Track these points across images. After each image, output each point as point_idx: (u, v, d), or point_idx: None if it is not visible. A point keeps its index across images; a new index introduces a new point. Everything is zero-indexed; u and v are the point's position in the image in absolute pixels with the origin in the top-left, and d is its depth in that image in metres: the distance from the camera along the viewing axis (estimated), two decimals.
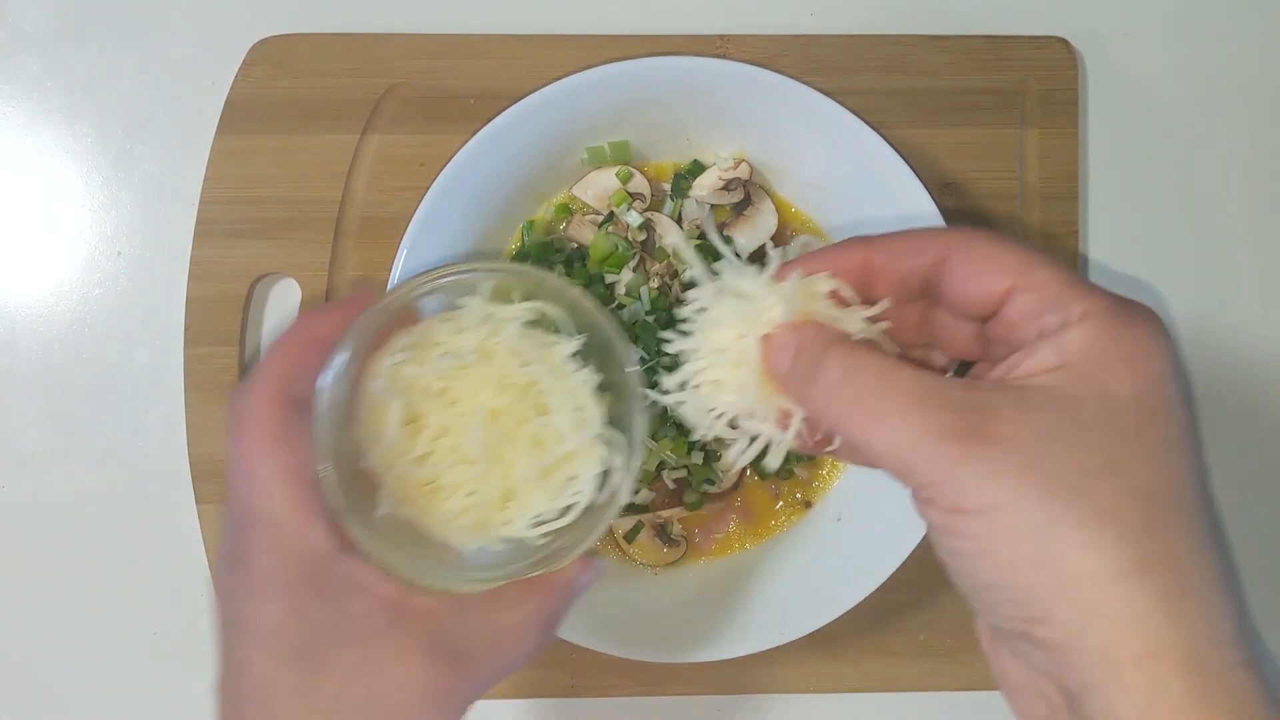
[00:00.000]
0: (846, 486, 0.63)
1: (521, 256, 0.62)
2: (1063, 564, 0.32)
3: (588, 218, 0.63)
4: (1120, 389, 0.33)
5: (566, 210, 0.63)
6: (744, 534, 0.64)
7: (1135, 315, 0.34)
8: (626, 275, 0.61)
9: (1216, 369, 0.68)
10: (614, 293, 0.62)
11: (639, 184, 0.62)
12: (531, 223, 0.63)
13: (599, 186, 0.62)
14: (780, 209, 0.63)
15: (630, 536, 0.63)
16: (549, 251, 0.62)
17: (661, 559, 0.63)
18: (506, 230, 0.63)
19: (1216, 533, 0.34)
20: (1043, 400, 0.33)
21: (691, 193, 0.62)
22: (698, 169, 0.63)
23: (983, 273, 0.36)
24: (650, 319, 0.60)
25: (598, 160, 0.62)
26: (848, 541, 0.61)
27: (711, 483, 0.62)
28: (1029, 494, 0.32)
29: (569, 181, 0.63)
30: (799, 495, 0.64)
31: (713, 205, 0.62)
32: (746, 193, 0.62)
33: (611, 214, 0.63)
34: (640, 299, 0.61)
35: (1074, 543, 0.32)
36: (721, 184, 0.62)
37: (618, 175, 0.62)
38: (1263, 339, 0.68)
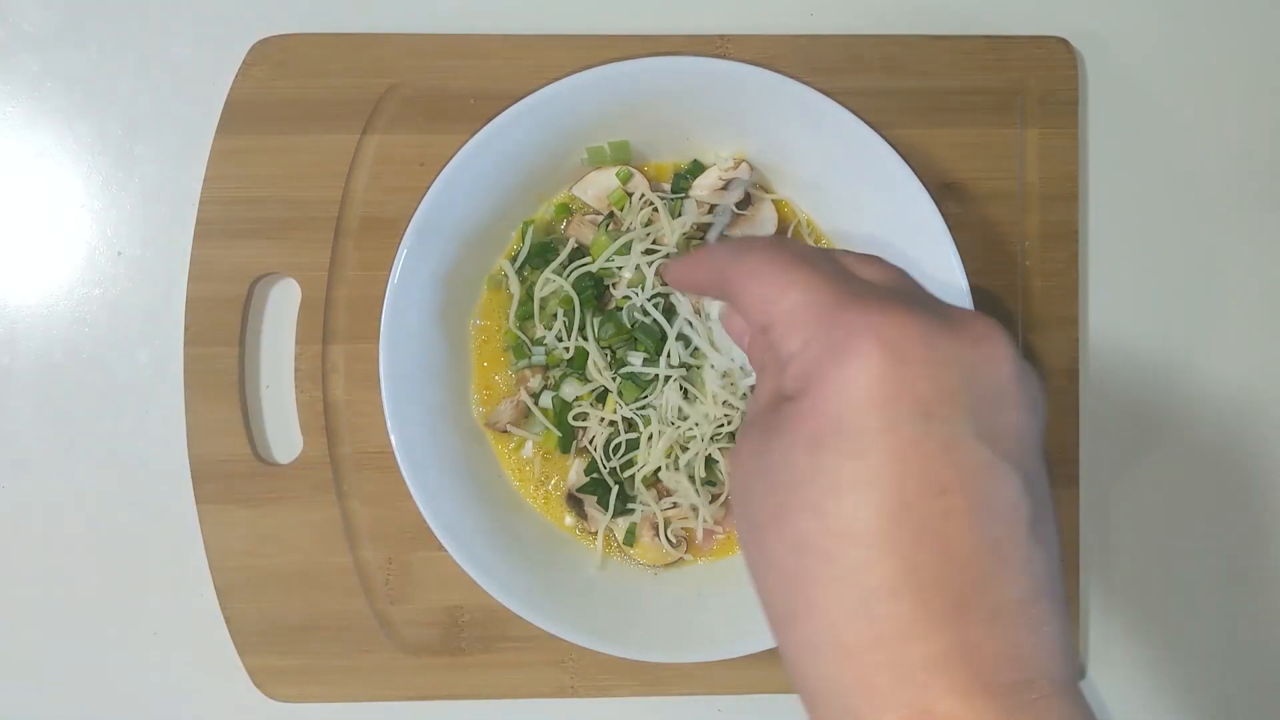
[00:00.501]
0: None
1: (521, 256, 0.62)
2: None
3: (587, 217, 0.63)
4: (831, 403, 0.30)
5: (566, 210, 0.63)
6: None
7: (847, 315, 0.31)
8: (626, 274, 0.61)
9: (1216, 367, 0.68)
10: (611, 293, 0.62)
11: (638, 183, 0.62)
12: (531, 223, 0.63)
13: (599, 186, 0.62)
14: (779, 209, 0.63)
15: (629, 540, 0.63)
16: (548, 251, 0.62)
17: (661, 558, 0.63)
18: (506, 230, 0.63)
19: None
20: (784, 422, 0.32)
21: (691, 193, 0.62)
22: (698, 169, 0.63)
23: (748, 311, 0.35)
24: (649, 320, 0.60)
25: (598, 160, 0.62)
26: None
27: (713, 484, 0.62)
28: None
29: (569, 181, 0.63)
30: None
31: (712, 206, 0.62)
32: (746, 193, 0.62)
33: (611, 214, 0.63)
34: (636, 297, 0.61)
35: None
36: (721, 184, 0.62)
37: (618, 175, 0.62)
38: (1263, 338, 0.68)
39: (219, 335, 0.63)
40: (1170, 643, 0.68)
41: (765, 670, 0.65)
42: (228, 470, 0.63)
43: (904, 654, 0.28)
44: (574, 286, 0.61)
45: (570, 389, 0.62)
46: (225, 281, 0.64)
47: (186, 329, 0.63)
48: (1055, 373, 0.66)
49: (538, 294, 0.62)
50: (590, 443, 0.62)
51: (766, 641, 0.58)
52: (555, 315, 0.62)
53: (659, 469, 0.61)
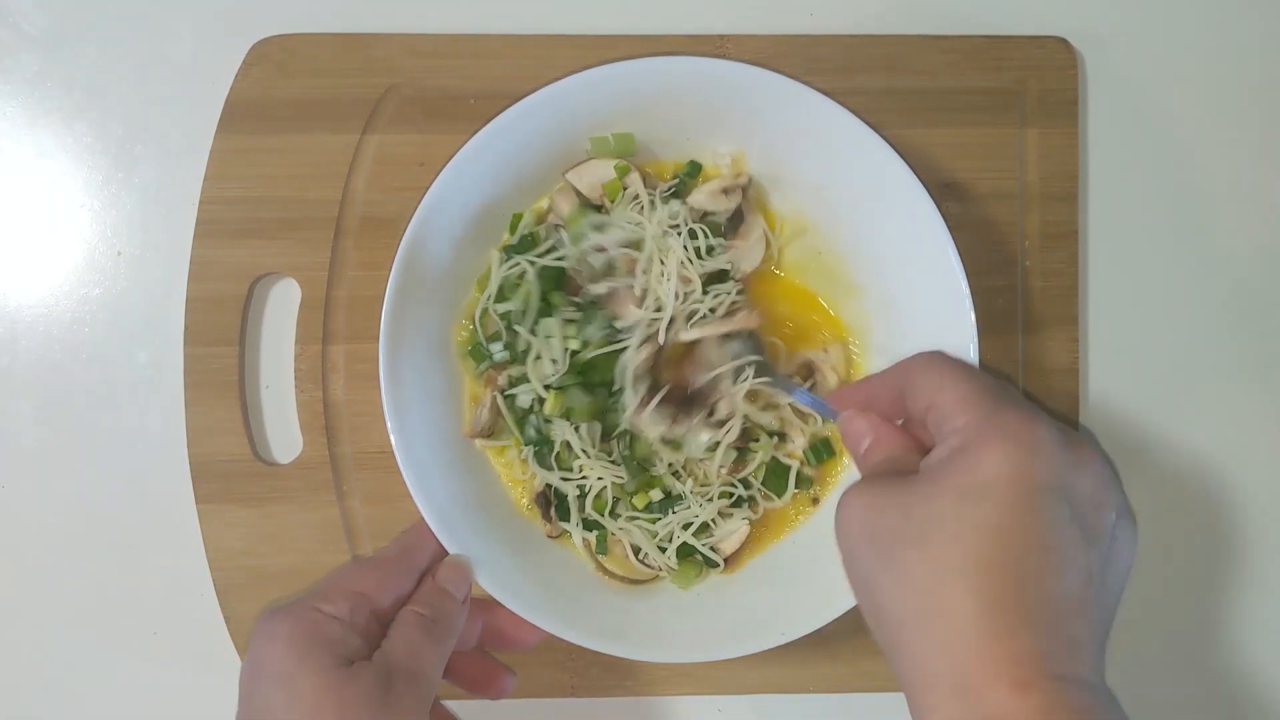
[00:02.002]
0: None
1: (512, 249, 0.62)
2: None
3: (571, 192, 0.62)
4: (983, 469, 0.43)
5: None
6: (754, 536, 0.64)
7: (1005, 415, 0.45)
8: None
9: (1216, 367, 0.68)
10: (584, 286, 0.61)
11: (634, 180, 0.62)
12: (520, 216, 0.62)
13: (595, 175, 0.62)
14: (773, 217, 0.63)
15: (600, 548, 0.62)
16: (534, 240, 0.62)
17: (633, 573, 0.62)
18: (505, 230, 0.63)
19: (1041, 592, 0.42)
20: (932, 476, 0.45)
21: (689, 199, 0.62)
22: (695, 169, 0.63)
23: (915, 397, 0.49)
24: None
25: (601, 151, 0.62)
26: None
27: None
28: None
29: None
30: (809, 491, 0.64)
31: (706, 213, 0.62)
32: (740, 210, 0.62)
33: (600, 206, 0.62)
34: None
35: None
36: (720, 190, 0.61)
37: (615, 168, 0.62)
38: (1263, 337, 0.68)
39: (219, 335, 0.63)
40: (1170, 643, 0.68)
41: (765, 670, 0.65)
42: (228, 470, 0.63)
43: (1013, 647, 0.40)
44: (540, 273, 0.60)
45: (525, 396, 0.61)
46: (225, 281, 0.64)
47: (186, 329, 0.63)
48: (1055, 373, 0.66)
49: (496, 275, 0.61)
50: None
51: (766, 641, 0.58)
52: (511, 304, 0.60)
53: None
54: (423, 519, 0.57)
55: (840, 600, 0.58)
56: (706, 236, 0.60)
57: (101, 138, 0.66)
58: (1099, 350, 0.67)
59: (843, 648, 0.65)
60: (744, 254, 0.62)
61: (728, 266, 0.61)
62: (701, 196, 0.62)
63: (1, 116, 0.66)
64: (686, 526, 0.61)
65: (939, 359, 0.50)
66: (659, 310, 0.60)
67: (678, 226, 0.61)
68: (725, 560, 0.62)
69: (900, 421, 0.53)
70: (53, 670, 0.66)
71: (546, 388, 0.60)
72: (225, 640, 0.64)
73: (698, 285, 0.60)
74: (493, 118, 0.58)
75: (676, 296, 0.60)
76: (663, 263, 0.60)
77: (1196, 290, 0.68)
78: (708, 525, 0.62)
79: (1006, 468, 0.42)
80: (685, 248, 0.60)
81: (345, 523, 0.64)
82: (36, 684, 0.66)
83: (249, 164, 0.63)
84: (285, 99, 0.63)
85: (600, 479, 0.61)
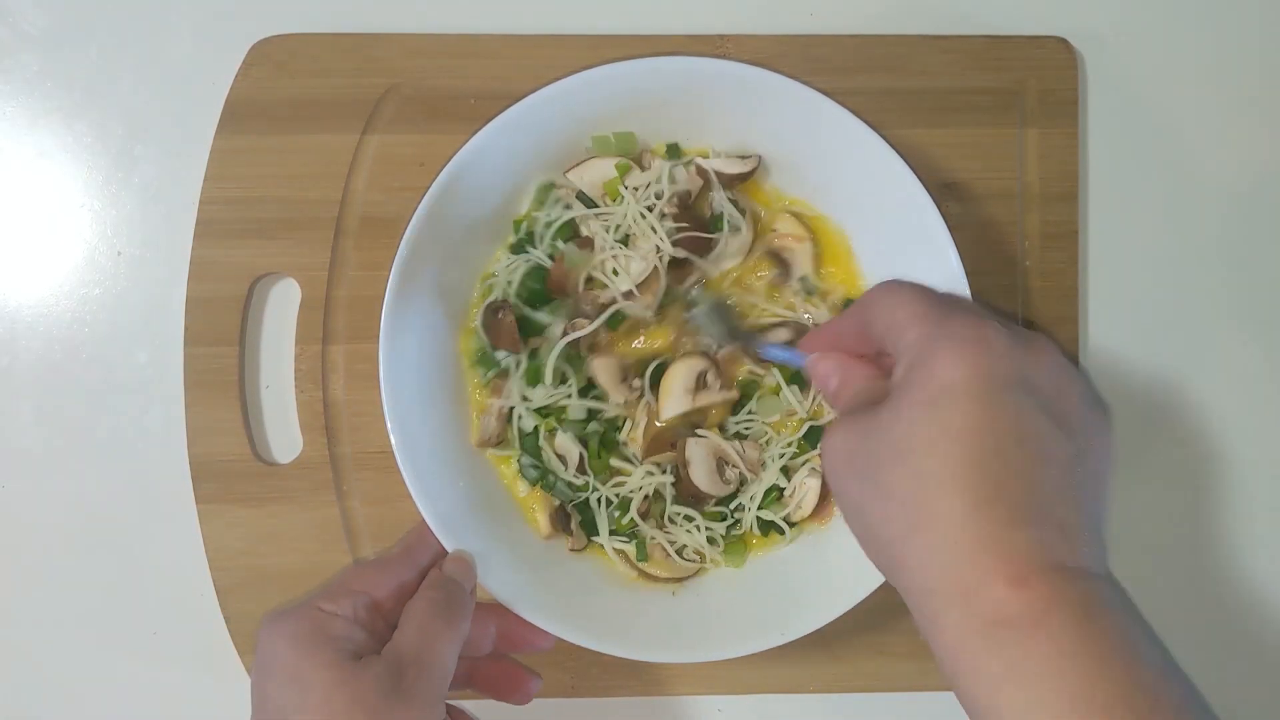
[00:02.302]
0: None
1: (519, 246, 0.62)
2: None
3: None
4: (940, 375, 0.43)
5: (549, 189, 0.62)
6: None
7: (953, 322, 0.44)
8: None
9: (1216, 366, 0.68)
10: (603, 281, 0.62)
11: (635, 179, 0.61)
12: (522, 221, 0.62)
13: (596, 173, 0.62)
14: (769, 197, 0.64)
15: (641, 556, 0.62)
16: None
17: (678, 571, 0.62)
18: (506, 231, 0.63)
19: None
20: (897, 394, 0.45)
21: (709, 160, 0.61)
22: (675, 152, 0.62)
23: (873, 325, 0.48)
24: None
25: (604, 150, 0.62)
26: (849, 541, 0.61)
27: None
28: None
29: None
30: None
31: (719, 172, 0.61)
32: (739, 205, 0.62)
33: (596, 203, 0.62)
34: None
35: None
36: (738, 155, 0.61)
37: (616, 166, 0.61)
38: (1262, 337, 0.68)
39: (219, 335, 0.63)
40: (1170, 643, 0.68)
41: (765, 670, 0.65)
42: (228, 470, 0.63)
43: (1004, 543, 0.40)
44: (528, 272, 0.61)
45: (528, 420, 0.61)
46: (225, 281, 0.64)
47: (186, 329, 0.63)
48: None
49: (502, 277, 0.61)
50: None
51: (766, 641, 0.58)
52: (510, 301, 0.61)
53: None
54: (423, 520, 0.57)
55: (840, 600, 0.58)
56: (672, 219, 0.60)
57: (101, 138, 0.66)
58: (1099, 350, 0.67)
59: (843, 648, 0.65)
60: (723, 255, 0.62)
61: (693, 259, 0.61)
62: (719, 161, 0.61)
63: (1, 116, 0.66)
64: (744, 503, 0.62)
65: (891, 284, 0.48)
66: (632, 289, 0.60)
67: (654, 207, 0.60)
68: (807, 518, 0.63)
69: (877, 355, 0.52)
70: (53, 670, 0.66)
71: (542, 413, 0.61)
72: (225, 640, 0.64)
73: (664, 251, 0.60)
74: (493, 118, 0.58)
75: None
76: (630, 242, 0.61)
77: (1196, 290, 0.68)
78: (779, 493, 0.62)
79: (962, 369, 0.42)
80: (655, 229, 0.60)
81: (345, 523, 0.64)
82: (36, 684, 0.66)
83: (249, 164, 0.63)
84: (285, 99, 0.63)
85: (643, 485, 0.61)
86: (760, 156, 0.62)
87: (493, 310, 0.60)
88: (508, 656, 0.60)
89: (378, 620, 0.53)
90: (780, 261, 0.62)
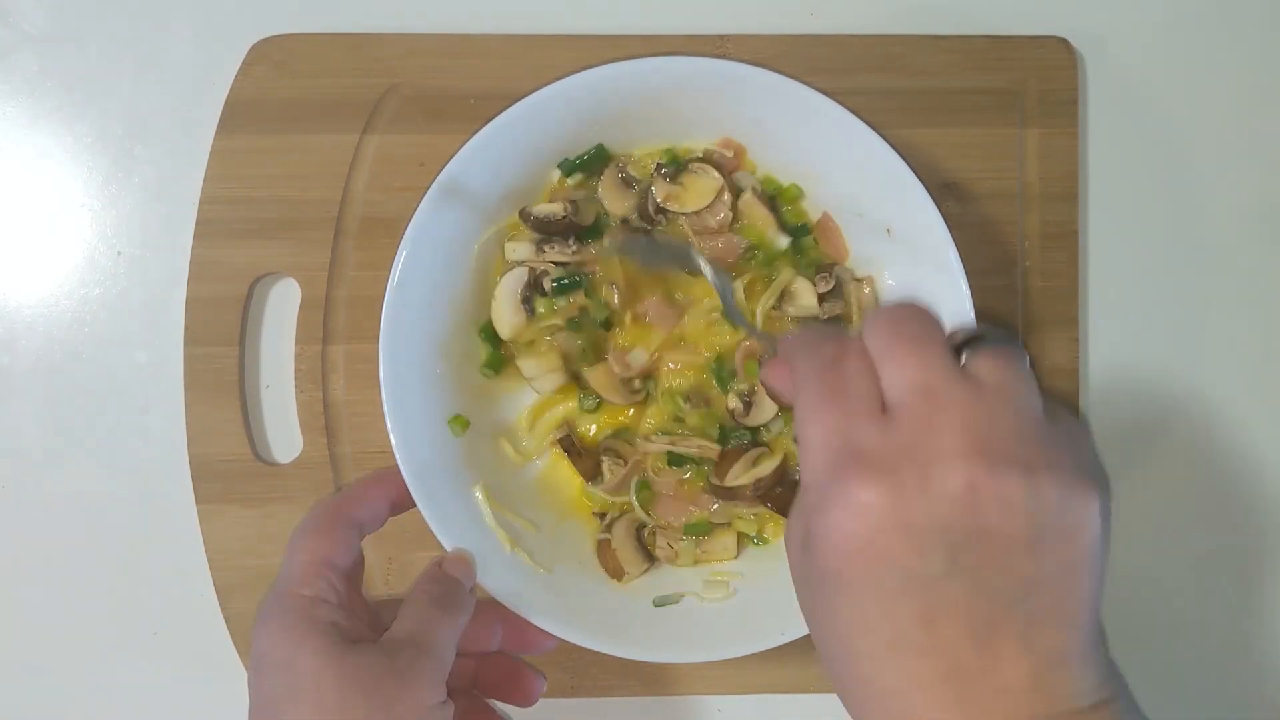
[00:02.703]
0: None
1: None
2: None
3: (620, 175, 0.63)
4: (820, 560, 0.38)
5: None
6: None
7: (835, 496, 0.38)
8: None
9: (1216, 367, 0.68)
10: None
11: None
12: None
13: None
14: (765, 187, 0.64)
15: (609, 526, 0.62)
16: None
17: (633, 565, 0.62)
18: (507, 231, 0.63)
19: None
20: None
21: (790, 309, 0.62)
22: (672, 158, 0.62)
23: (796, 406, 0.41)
24: None
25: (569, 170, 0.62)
26: None
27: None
28: None
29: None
30: None
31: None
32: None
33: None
34: None
35: None
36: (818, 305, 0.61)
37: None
38: (1262, 337, 0.68)
39: (219, 335, 0.63)
40: (1170, 642, 0.68)
41: (765, 670, 0.65)
42: (228, 470, 0.63)
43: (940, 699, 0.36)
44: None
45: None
46: (225, 281, 0.64)
47: (186, 329, 0.63)
48: (1055, 372, 0.66)
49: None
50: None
51: (766, 643, 0.58)
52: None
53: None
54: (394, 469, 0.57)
55: None
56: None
57: (101, 138, 0.66)
58: (1099, 350, 0.67)
59: None
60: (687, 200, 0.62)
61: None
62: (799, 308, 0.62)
63: (1, 116, 0.66)
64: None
65: (811, 380, 0.41)
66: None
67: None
68: None
69: None
70: (53, 670, 0.66)
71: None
72: (225, 640, 0.64)
73: None
74: (493, 118, 0.58)
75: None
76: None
77: (1196, 290, 0.68)
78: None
79: (846, 552, 0.37)
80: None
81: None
82: (37, 684, 0.66)
83: (249, 164, 0.63)
84: (285, 99, 0.63)
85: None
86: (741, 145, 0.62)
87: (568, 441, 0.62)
88: (513, 656, 0.60)
89: (355, 597, 0.52)
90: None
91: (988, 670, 0.36)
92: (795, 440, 0.42)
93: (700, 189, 0.61)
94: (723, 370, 0.62)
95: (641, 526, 0.62)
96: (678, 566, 0.62)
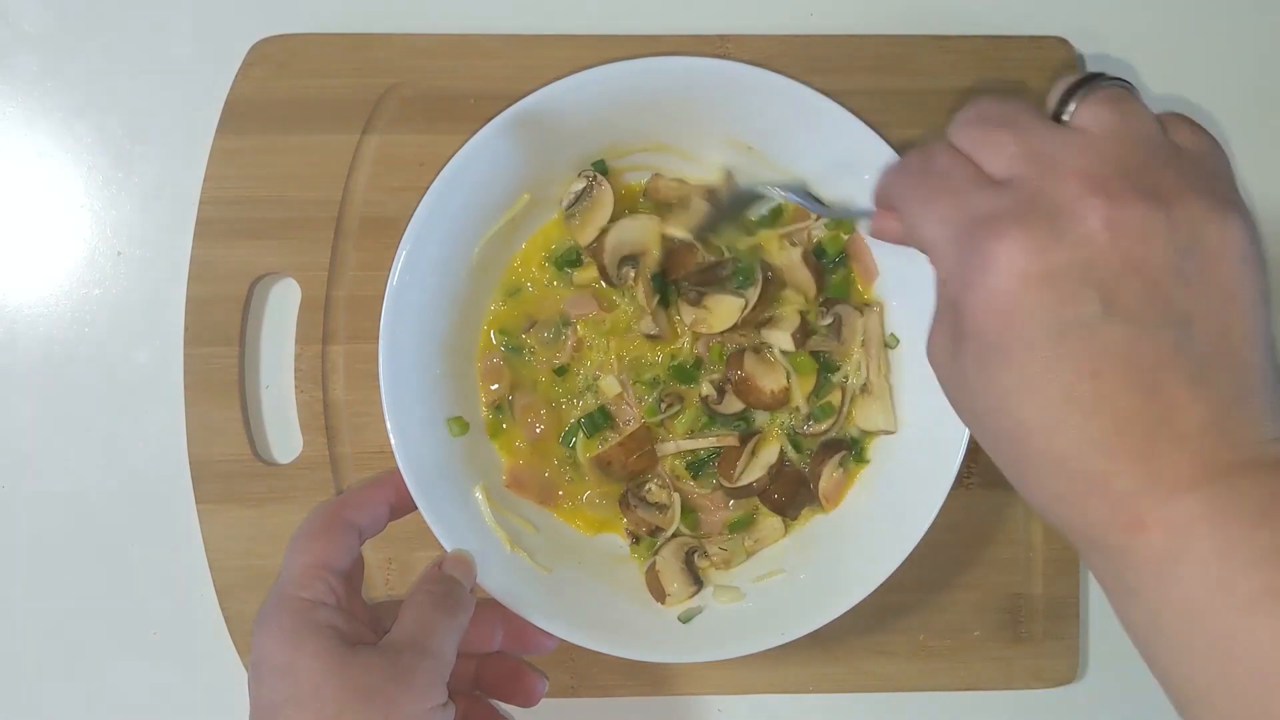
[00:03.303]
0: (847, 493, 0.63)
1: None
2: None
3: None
4: (978, 323, 0.37)
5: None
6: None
7: (976, 261, 0.36)
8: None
9: None
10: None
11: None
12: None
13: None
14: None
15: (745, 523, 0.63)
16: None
17: (683, 593, 0.61)
18: (507, 232, 0.63)
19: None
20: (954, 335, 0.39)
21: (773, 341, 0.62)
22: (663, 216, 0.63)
23: (907, 223, 0.41)
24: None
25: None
26: (848, 542, 0.61)
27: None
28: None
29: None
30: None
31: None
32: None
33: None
34: None
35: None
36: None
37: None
38: None
39: (219, 335, 0.63)
40: None
41: (765, 670, 0.65)
42: (228, 470, 0.63)
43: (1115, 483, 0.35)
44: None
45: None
46: (225, 281, 0.64)
47: (186, 329, 0.63)
48: None
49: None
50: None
51: (766, 641, 0.58)
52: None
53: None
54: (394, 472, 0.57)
55: (840, 601, 0.58)
56: None
57: (101, 138, 0.66)
58: None
59: (842, 648, 0.65)
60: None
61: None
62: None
63: (1, 116, 0.66)
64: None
65: (909, 178, 0.40)
66: None
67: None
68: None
69: None
70: (53, 670, 0.66)
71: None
72: (225, 640, 0.64)
73: None
74: (493, 117, 0.58)
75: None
76: None
77: None
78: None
79: (1000, 316, 0.35)
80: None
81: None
82: (37, 684, 0.66)
83: (249, 164, 0.63)
84: (285, 99, 0.63)
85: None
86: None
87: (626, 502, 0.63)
88: (514, 656, 0.60)
89: (354, 600, 0.52)
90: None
91: (1163, 418, 0.34)
92: (922, 249, 0.40)
93: (725, 309, 0.61)
94: (684, 367, 0.62)
95: (692, 551, 0.62)
96: (733, 568, 0.62)
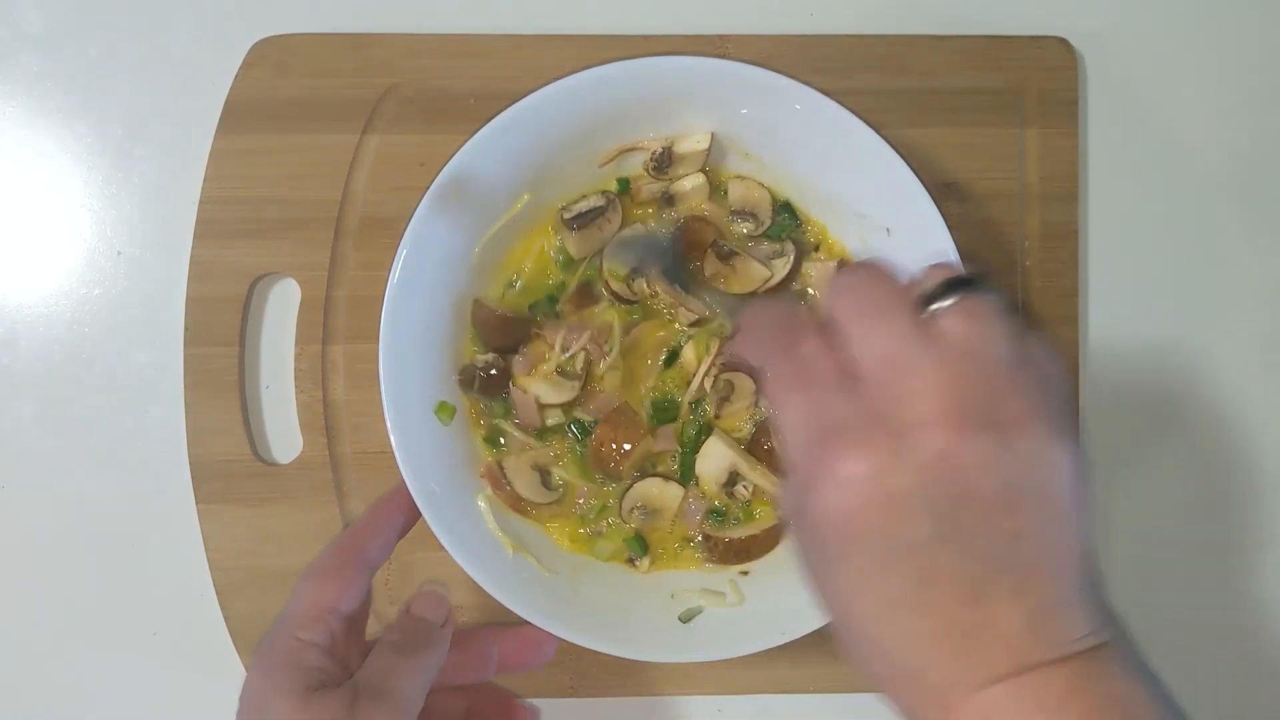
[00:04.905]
0: None
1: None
2: None
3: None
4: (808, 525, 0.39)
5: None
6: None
7: (817, 470, 0.38)
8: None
9: (1216, 367, 0.68)
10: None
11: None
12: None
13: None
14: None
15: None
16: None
17: (541, 496, 0.61)
18: (507, 232, 0.63)
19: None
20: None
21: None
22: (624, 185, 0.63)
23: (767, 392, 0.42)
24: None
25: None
26: None
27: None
28: None
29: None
30: None
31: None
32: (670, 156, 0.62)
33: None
34: None
35: None
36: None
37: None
38: (1262, 337, 0.68)
39: (219, 335, 0.63)
40: (1170, 642, 0.68)
41: (765, 670, 0.65)
42: (228, 470, 0.63)
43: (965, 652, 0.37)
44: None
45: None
46: (225, 281, 0.64)
47: (186, 329, 0.63)
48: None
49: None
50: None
51: (766, 641, 0.58)
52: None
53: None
54: (400, 485, 0.57)
55: None
56: None
57: (101, 138, 0.66)
58: (1099, 349, 0.67)
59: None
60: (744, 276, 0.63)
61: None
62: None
63: (2, 116, 0.66)
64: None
65: (780, 363, 0.41)
66: None
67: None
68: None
69: None
70: (53, 670, 0.66)
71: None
72: (225, 640, 0.64)
73: None
74: (492, 118, 0.58)
75: None
76: None
77: (1197, 290, 0.68)
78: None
79: (834, 526, 0.38)
80: None
81: (345, 523, 0.64)
82: (37, 684, 0.66)
83: (249, 164, 0.63)
84: (285, 99, 0.63)
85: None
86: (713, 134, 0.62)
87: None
88: (508, 694, 0.60)
89: (351, 641, 0.52)
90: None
91: (983, 624, 0.36)
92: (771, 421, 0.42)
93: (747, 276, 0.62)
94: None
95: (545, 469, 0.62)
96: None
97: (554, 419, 0.62)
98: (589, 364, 0.62)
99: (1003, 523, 0.36)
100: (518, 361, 0.62)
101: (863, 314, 0.39)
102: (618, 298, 0.62)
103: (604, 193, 0.62)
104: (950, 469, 0.36)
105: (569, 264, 0.63)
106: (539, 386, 0.61)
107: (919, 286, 0.39)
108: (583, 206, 0.62)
